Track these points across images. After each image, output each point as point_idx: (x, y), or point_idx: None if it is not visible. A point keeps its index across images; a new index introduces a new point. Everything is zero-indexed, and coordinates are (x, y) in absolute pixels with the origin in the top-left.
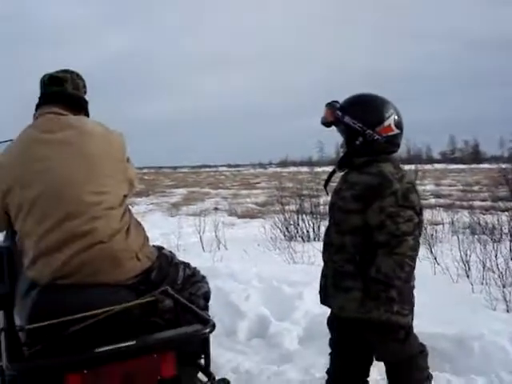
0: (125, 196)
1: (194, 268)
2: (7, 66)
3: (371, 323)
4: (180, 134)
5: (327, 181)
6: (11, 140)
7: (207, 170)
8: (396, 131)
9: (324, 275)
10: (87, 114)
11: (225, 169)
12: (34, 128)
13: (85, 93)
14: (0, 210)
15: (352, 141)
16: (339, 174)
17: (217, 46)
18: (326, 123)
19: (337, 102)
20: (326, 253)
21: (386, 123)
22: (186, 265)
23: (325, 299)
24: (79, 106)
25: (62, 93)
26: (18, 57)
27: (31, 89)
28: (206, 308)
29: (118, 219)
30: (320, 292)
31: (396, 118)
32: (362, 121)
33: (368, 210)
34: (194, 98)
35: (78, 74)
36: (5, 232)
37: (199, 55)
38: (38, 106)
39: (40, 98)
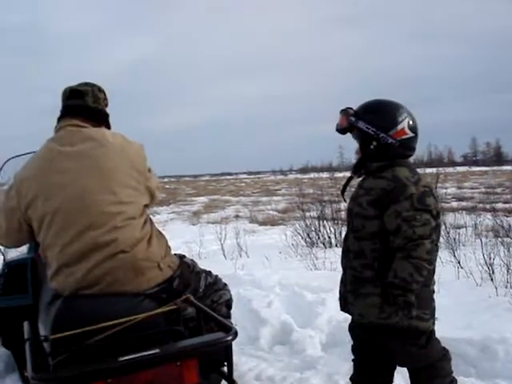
0: (145, 206)
1: (216, 276)
2: (18, 78)
3: (391, 329)
4: (200, 143)
5: (344, 187)
6: (33, 152)
7: (228, 177)
8: (410, 135)
9: (343, 282)
10: (108, 127)
11: (245, 176)
12: (55, 141)
13: (106, 105)
14: (23, 223)
15: (366, 146)
16: (357, 181)
17: (235, 51)
18: (341, 129)
19: (351, 108)
20: (345, 259)
21: (400, 127)
22: (208, 273)
23: (344, 306)
24: (99, 119)
25: (83, 106)
26: (31, 68)
27: (44, 101)
28: (228, 316)
29: (139, 229)
30: (340, 299)
31: (410, 122)
32: (375, 125)
33: (384, 215)
34: (213, 106)
35: (99, 88)
36: (28, 244)
37: (216, 62)
38: (59, 119)
39: (61, 111)
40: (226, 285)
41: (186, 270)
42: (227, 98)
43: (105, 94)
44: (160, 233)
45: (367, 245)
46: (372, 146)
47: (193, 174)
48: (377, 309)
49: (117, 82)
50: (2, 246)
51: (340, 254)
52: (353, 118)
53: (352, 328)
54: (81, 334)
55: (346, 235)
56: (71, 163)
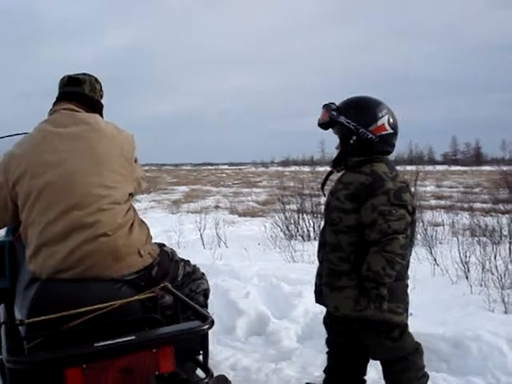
0: (130, 194)
1: (194, 265)
2: (11, 62)
3: (366, 321)
4: (182, 132)
5: (324, 181)
6: (26, 133)
7: (209, 167)
8: (390, 131)
9: (319, 274)
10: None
11: (226, 167)
12: (49, 122)
13: (101, 97)
14: (9, 201)
15: (347, 140)
16: (338, 175)
17: (219, 42)
18: (323, 124)
19: (333, 103)
20: (321, 252)
21: (380, 122)
22: (187, 262)
23: (319, 298)
24: (94, 107)
25: (80, 93)
26: (23, 53)
27: (35, 86)
28: (205, 305)
29: (123, 214)
30: (315, 291)
31: (390, 118)
32: (355, 120)
33: (361, 209)
34: (196, 96)
35: (96, 78)
36: (6, 227)
37: (202, 53)
38: (54, 103)
39: (57, 97)
40: (203, 274)
41: (166, 258)
42: (212, 89)
43: (101, 86)
44: (142, 221)
45: (344, 238)
46: (352, 141)
47: (174, 163)
48: (352, 301)
49: (102, 68)
50: None
51: None
52: (334, 113)
53: (326, 320)
54: (57, 318)
55: (323, 228)
56: (63, 144)
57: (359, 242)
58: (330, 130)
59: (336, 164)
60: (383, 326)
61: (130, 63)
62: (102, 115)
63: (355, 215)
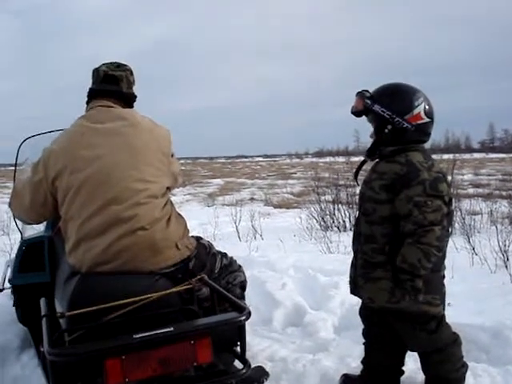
0: (168, 188)
1: (231, 258)
2: (44, 57)
3: (401, 313)
4: (217, 125)
5: (357, 171)
6: (62, 130)
7: (243, 160)
8: (426, 120)
9: (353, 265)
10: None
11: (261, 159)
12: (86, 118)
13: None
14: (48, 195)
15: (381, 129)
16: (371, 164)
17: (252, 34)
18: (356, 112)
19: (367, 91)
20: (356, 243)
21: (416, 111)
22: (224, 254)
23: (354, 289)
24: (130, 102)
25: (118, 91)
26: (54, 47)
27: (69, 80)
28: (242, 297)
29: (160, 208)
30: (350, 282)
31: (426, 106)
32: (390, 109)
33: (396, 199)
34: (230, 88)
35: (131, 71)
36: (45, 222)
37: (237, 45)
38: (90, 98)
39: (92, 91)
40: (240, 266)
41: (203, 251)
42: (245, 81)
43: (134, 77)
44: (179, 215)
45: (378, 229)
46: (387, 130)
47: (208, 156)
48: (387, 293)
49: (137, 63)
50: (23, 222)
51: None
52: (368, 101)
53: (362, 311)
54: (97, 311)
55: (358, 219)
56: (100, 139)
57: (393, 233)
58: (364, 118)
59: (370, 153)
60: (419, 318)
61: (161, 57)
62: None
63: (389, 206)
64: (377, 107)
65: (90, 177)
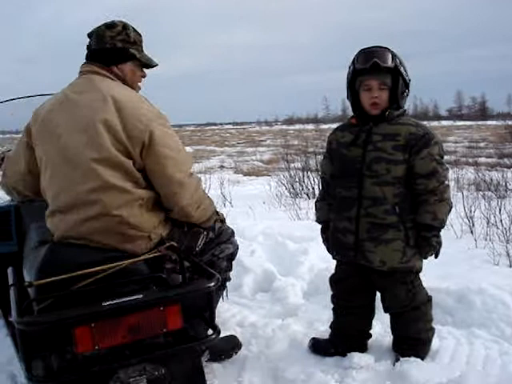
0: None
1: (221, 228)
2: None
3: (393, 272)
4: (185, 92)
5: (367, 138)
6: (52, 94)
7: (213, 127)
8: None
9: (350, 232)
10: (121, 61)
11: (230, 126)
12: (69, 86)
13: (120, 41)
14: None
15: (401, 92)
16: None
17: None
18: (384, 67)
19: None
20: (354, 208)
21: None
22: (211, 229)
23: (356, 256)
24: (105, 60)
25: (89, 49)
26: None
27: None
28: (228, 269)
29: (130, 194)
30: (345, 251)
31: None
32: (407, 73)
33: (416, 158)
34: (199, 54)
35: (106, 25)
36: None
37: (204, 10)
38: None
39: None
40: (231, 236)
41: (177, 232)
42: (214, 48)
43: (115, 30)
44: (158, 202)
45: (389, 190)
46: (405, 94)
47: (178, 124)
48: (400, 253)
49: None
50: (19, 194)
51: None
52: (398, 60)
53: (334, 276)
54: (65, 279)
55: (353, 184)
56: (67, 113)
57: (404, 193)
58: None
59: (381, 117)
60: (405, 275)
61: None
62: (120, 60)
63: (404, 166)
64: (402, 69)
65: (53, 153)
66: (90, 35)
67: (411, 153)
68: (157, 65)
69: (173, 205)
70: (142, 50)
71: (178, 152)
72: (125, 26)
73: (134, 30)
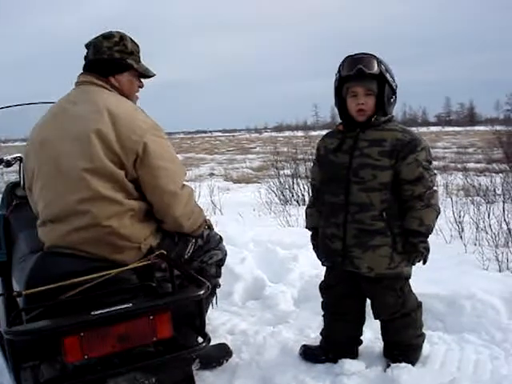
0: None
1: (210, 235)
2: None
3: (381, 278)
4: (175, 99)
5: (354, 144)
6: (53, 102)
7: (202, 135)
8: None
9: (337, 238)
10: (118, 71)
11: (220, 134)
12: (65, 97)
13: (117, 52)
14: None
15: (388, 98)
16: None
17: (211, 9)
18: (369, 73)
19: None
20: (341, 214)
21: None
22: (199, 236)
23: (344, 262)
24: (102, 71)
25: (89, 60)
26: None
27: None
28: (218, 275)
29: (119, 204)
30: (333, 257)
31: None
32: (393, 80)
33: (402, 164)
34: (188, 62)
35: (103, 36)
36: (0, 201)
37: (192, 18)
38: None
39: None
40: (219, 243)
41: (167, 242)
42: (202, 56)
43: (113, 41)
44: (148, 211)
45: (376, 196)
46: (392, 100)
47: (167, 132)
48: (387, 259)
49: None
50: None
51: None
52: (383, 67)
53: (324, 283)
54: (54, 289)
55: (341, 190)
56: (63, 124)
57: (391, 198)
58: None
59: (367, 123)
60: (394, 282)
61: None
62: (117, 70)
63: (391, 171)
64: (388, 75)
65: (44, 163)
66: (87, 46)
67: (397, 158)
68: (154, 75)
69: (166, 216)
70: (140, 61)
71: (171, 163)
72: (122, 37)
73: (132, 41)
